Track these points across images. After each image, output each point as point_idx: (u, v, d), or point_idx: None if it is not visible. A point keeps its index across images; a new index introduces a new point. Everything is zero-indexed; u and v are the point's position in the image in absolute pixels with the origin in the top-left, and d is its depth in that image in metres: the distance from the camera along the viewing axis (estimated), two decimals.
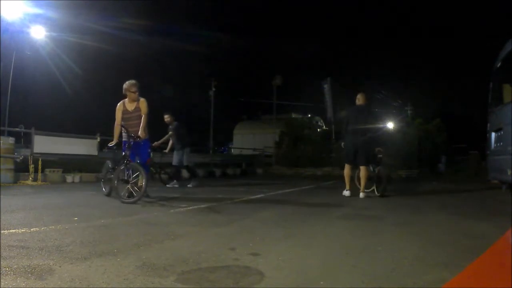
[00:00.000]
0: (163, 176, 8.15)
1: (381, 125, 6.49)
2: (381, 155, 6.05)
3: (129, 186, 4.81)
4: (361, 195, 5.74)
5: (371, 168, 5.98)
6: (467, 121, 21.37)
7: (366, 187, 5.91)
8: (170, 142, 8.03)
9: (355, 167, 6.23)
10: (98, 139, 9.33)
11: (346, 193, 5.99)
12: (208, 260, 2.06)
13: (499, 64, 4.61)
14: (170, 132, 7.82)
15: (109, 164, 5.64)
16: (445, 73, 42.16)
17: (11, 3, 12.19)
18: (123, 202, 4.57)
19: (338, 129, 19.97)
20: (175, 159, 7.85)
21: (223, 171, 13.63)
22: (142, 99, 5.14)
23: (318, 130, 21.26)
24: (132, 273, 1.83)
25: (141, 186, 4.75)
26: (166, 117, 7.90)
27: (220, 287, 1.67)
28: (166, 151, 8.18)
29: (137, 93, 5.11)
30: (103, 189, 5.53)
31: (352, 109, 6.24)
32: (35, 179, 7.78)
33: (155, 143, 7.66)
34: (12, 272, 1.78)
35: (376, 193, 5.93)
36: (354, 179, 6.44)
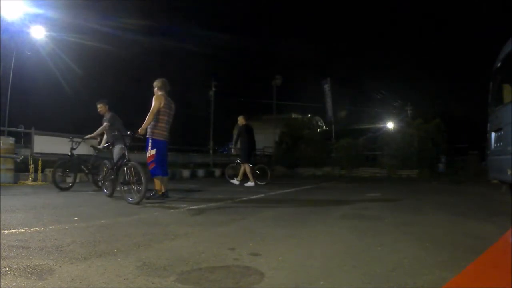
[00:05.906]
0: (96, 178, 6.73)
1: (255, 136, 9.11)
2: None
3: (131, 186, 4.76)
4: (249, 183, 8.36)
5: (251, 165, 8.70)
6: (467, 121, 21.31)
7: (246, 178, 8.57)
8: (105, 136, 6.80)
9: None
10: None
11: (251, 184, 8.32)
12: (208, 260, 2.07)
13: (499, 64, 4.60)
14: (105, 124, 6.51)
15: (107, 164, 5.63)
16: (445, 73, 42.07)
17: (11, 3, 12.18)
18: (129, 203, 4.53)
19: (338, 129, 19.95)
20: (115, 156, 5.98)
21: (223, 171, 13.64)
22: (155, 96, 5.09)
23: (318, 130, 21.26)
24: (132, 273, 1.83)
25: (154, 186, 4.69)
26: (100, 107, 6.62)
27: (220, 287, 1.67)
28: (100, 146, 6.89)
29: (156, 90, 5.15)
30: (105, 190, 5.52)
31: (241, 127, 8.85)
32: (35, 179, 7.78)
33: (87, 136, 6.88)
34: (12, 272, 1.78)
35: (260, 183, 8.58)
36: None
